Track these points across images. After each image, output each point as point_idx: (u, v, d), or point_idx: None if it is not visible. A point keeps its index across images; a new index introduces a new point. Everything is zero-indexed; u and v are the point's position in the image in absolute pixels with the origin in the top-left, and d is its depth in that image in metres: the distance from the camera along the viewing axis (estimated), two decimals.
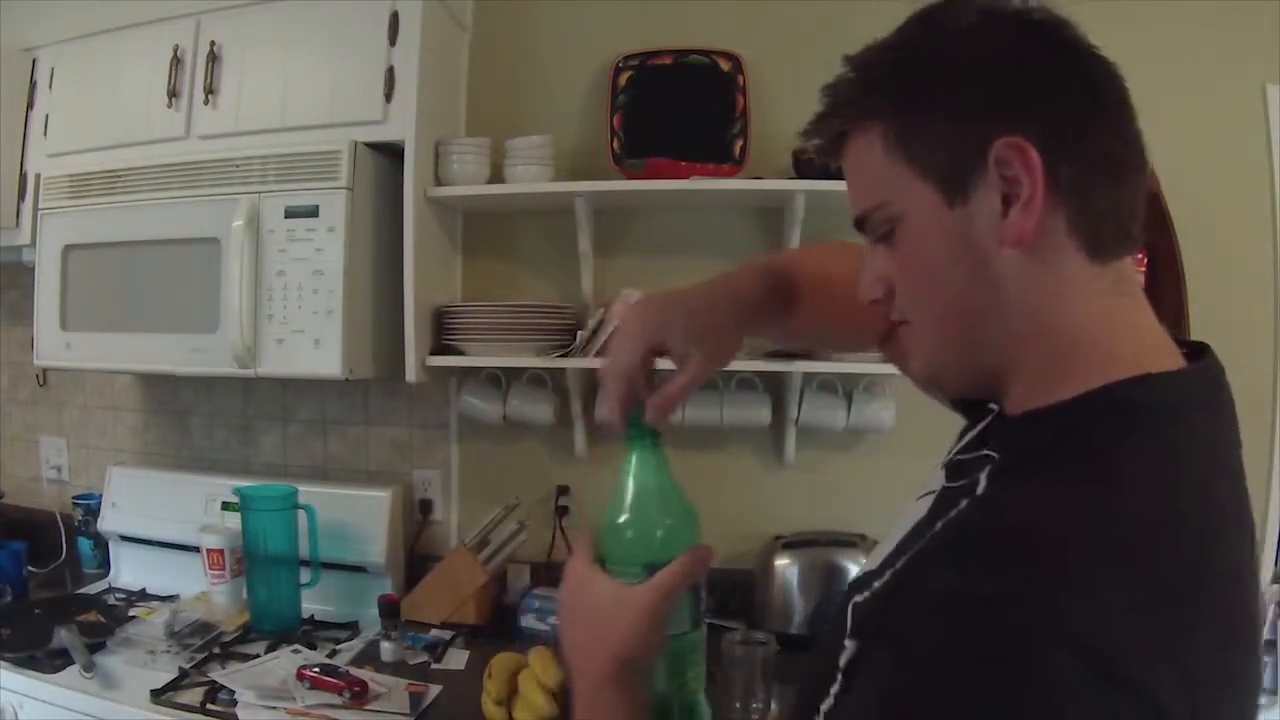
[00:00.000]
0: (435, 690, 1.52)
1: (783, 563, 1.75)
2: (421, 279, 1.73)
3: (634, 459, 0.73)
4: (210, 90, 1.77)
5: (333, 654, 1.67)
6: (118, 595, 1.97)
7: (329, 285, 1.64)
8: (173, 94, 1.79)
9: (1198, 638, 0.48)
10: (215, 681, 1.51)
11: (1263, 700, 1.65)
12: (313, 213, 1.65)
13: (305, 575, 1.80)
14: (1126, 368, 0.54)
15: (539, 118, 1.92)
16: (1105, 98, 0.56)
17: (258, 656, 1.63)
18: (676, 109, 1.84)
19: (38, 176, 1.92)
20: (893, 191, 0.58)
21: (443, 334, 1.81)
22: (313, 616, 1.84)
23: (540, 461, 1.99)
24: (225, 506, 1.90)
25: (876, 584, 0.59)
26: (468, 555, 1.86)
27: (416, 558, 2.00)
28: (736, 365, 1.54)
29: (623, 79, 1.86)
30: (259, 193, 1.68)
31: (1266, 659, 1.67)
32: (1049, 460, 0.54)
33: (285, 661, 1.60)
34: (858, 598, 0.59)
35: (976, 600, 0.46)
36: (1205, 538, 0.51)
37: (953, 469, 0.63)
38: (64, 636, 1.60)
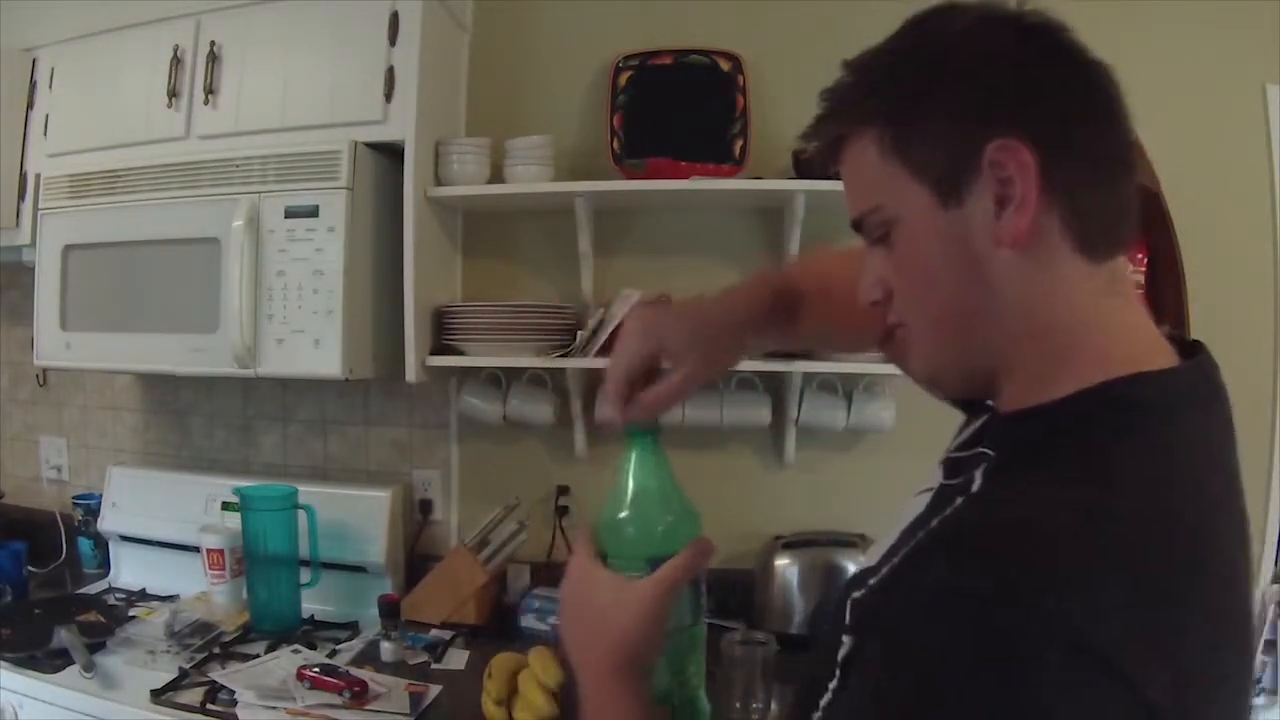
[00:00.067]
0: (435, 690, 1.52)
1: (783, 563, 1.75)
2: (421, 279, 1.73)
3: (634, 456, 0.74)
4: (210, 90, 1.77)
5: (333, 654, 1.67)
6: (118, 595, 1.97)
7: (329, 285, 1.64)
8: (173, 94, 1.79)
9: (1190, 636, 0.48)
10: (215, 681, 1.51)
11: (1262, 700, 1.65)
12: (313, 213, 1.65)
13: (305, 575, 1.80)
14: (1119, 366, 0.55)
15: (539, 118, 1.92)
16: (1098, 99, 0.56)
17: (258, 656, 1.63)
18: (676, 109, 1.84)
19: (38, 176, 1.92)
20: (888, 194, 0.59)
21: (443, 334, 1.81)
22: (313, 616, 1.84)
23: (540, 461, 1.99)
24: (225, 506, 1.90)
25: (873, 580, 0.59)
26: (468, 555, 1.86)
27: (416, 558, 2.00)
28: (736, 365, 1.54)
29: (623, 79, 1.86)
30: (259, 193, 1.68)
31: (1266, 659, 1.67)
32: (1043, 458, 0.54)
33: (285, 661, 1.60)
34: (856, 594, 0.59)
35: (971, 598, 0.46)
36: (1198, 536, 0.52)
37: (950, 466, 0.64)
38: (64, 636, 1.60)
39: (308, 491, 1.84)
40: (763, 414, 1.82)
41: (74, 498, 2.22)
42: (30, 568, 2.07)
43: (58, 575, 2.15)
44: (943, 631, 0.47)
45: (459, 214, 1.97)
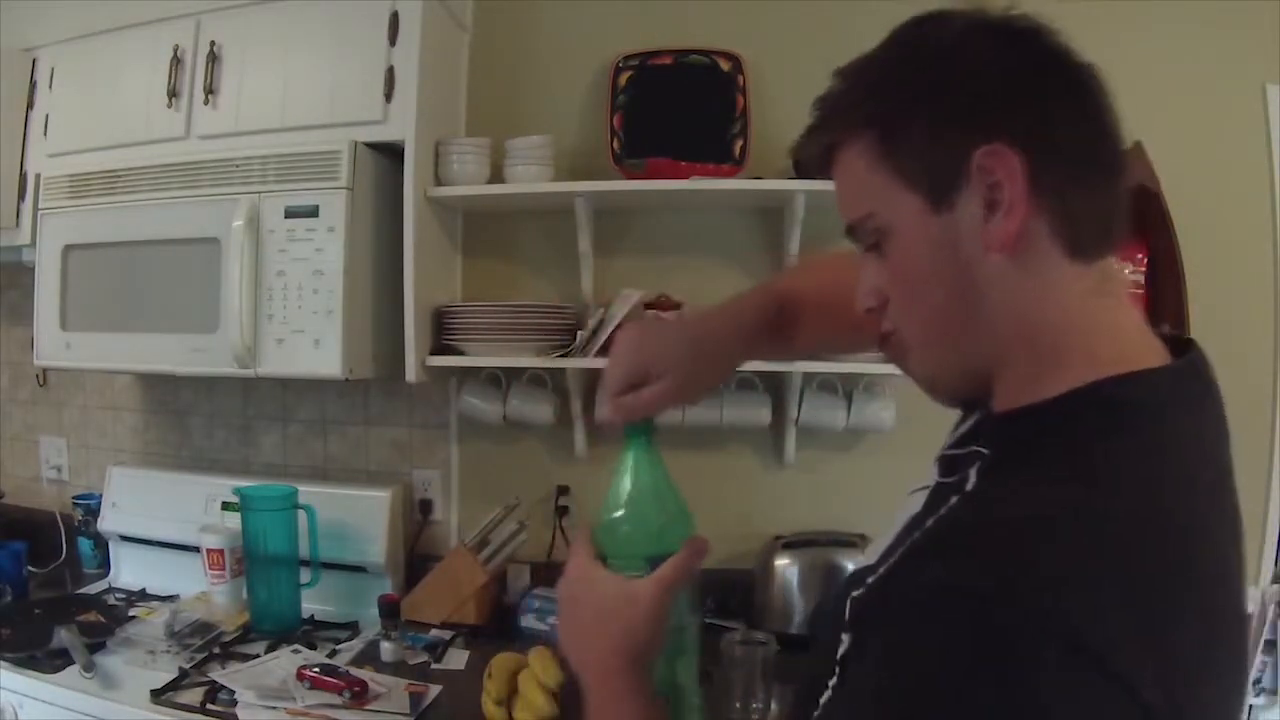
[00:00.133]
0: (435, 690, 1.52)
1: (783, 563, 1.75)
2: (421, 279, 1.73)
3: (631, 457, 0.75)
4: (210, 90, 1.77)
5: (333, 654, 1.67)
6: (118, 595, 1.97)
7: (329, 285, 1.64)
8: (173, 94, 1.79)
9: (1184, 635, 0.48)
10: (215, 681, 1.51)
11: (1262, 700, 1.65)
12: (313, 213, 1.65)
13: (305, 575, 1.80)
14: (1109, 366, 0.55)
15: (539, 118, 1.92)
16: (1085, 101, 0.57)
17: (258, 656, 1.63)
18: (676, 109, 1.84)
19: (38, 176, 1.92)
20: (880, 202, 0.60)
21: (443, 334, 1.81)
22: (313, 616, 1.84)
23: (540, 461, 1.99)
24: (225, 506, 1.90)
25: (871, 579, 0.59)
26: (468, 555, 1.86)
27: (416, 558, 2.00)
28: None
29: (623, 79, 1.86)
30: (259, 193, 1.68)
31: (1266, 659, 1.67)
32: (1035, 457, 0.55)
33: (285, 661, 1.60)
34: (855, 593, 0.59)
35: (970, 597, 0.46)
36: (1190, 534, 0.52)
37: (945, 464, 0.64)
38: (64, 636, 1.60)
39: (308, 491, 1.84)
40: (763, 414, 1.82)
41: (74, 498, 2.22)
42: (30, 568, 2.07)
43: (58, 575, 2.15)
44: (941, 630, 0.47)
45: (459, 214, 1.97)
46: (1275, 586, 1.68)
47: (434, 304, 1.82)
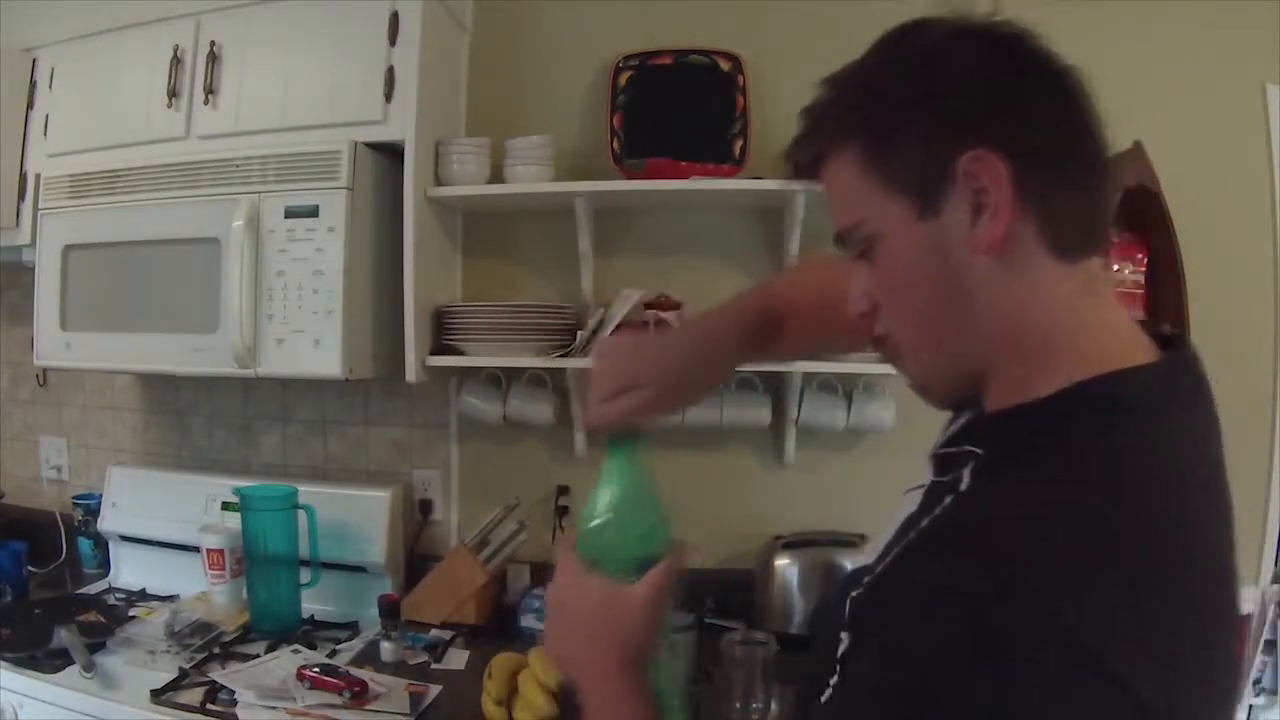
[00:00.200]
0: (435, 690, 1.52)
1: (783, 563, 1.75)
2: (421, 279, 1.73)
3: (618, 463, 0.77)
4: (210, 90, 1.77)
5: (333, 654, 1.67)
6: (118, 595, 1.97)
7: (329, 285, 1.64)
8: (173, 94, 1.79)
9: (1179, 635, 0.49)
10: (215, 681, 1.51)
11: (1262, 700, 1.65)
12: (313, 213, 1.65)
13: (305, 575, 1.80)
14: (1096, 365, 0.56)
15: (539, 118, 1.92)
16: (1068, 104, 0.58)
17: (258, 656, 1.63)
18: (676, 109, 1.84)
19: (38, 176, 1.92)
20: (869, 210, 0.61)
21: (443, 334, 1.81)
22: (313, 616, 1.84)
23: (540, 461, 1.99)
24: (225, 506, 1.90)
25: (868, 578, 0.60)
26: (468, 555, 1.86)
27: (416, 558, 2.00)
28: None
29: (623, 79, 1.86)
30: (259, 193, 1.68)
31: (1266, 659, 1.67)
32: (1028, 457, 0.55)
33: (285, 661, 1.60)
34: (855, 592, 0.60)
35: (965, 597, 0.47)
36: (1183, 533, 0.52)
37: (939, 462, 0.65)
38: (64, 636, 1.60)
39: (308, 491, 1.84)
40: (763, 414, 1.82)
41: (74, 498, 2.22)
42: (30, 568, 2.07)
43: (58, 575, 2.15)
44: (937, 630, 0.47)
45: (459, 214, 1.97)
46: (1275, 586, 1.68)
47: (434, 304, 1.82)
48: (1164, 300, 1.66)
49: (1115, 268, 1.68)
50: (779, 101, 1.83)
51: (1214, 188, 1.72)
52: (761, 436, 1.91)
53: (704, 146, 1.79)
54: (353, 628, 1.81)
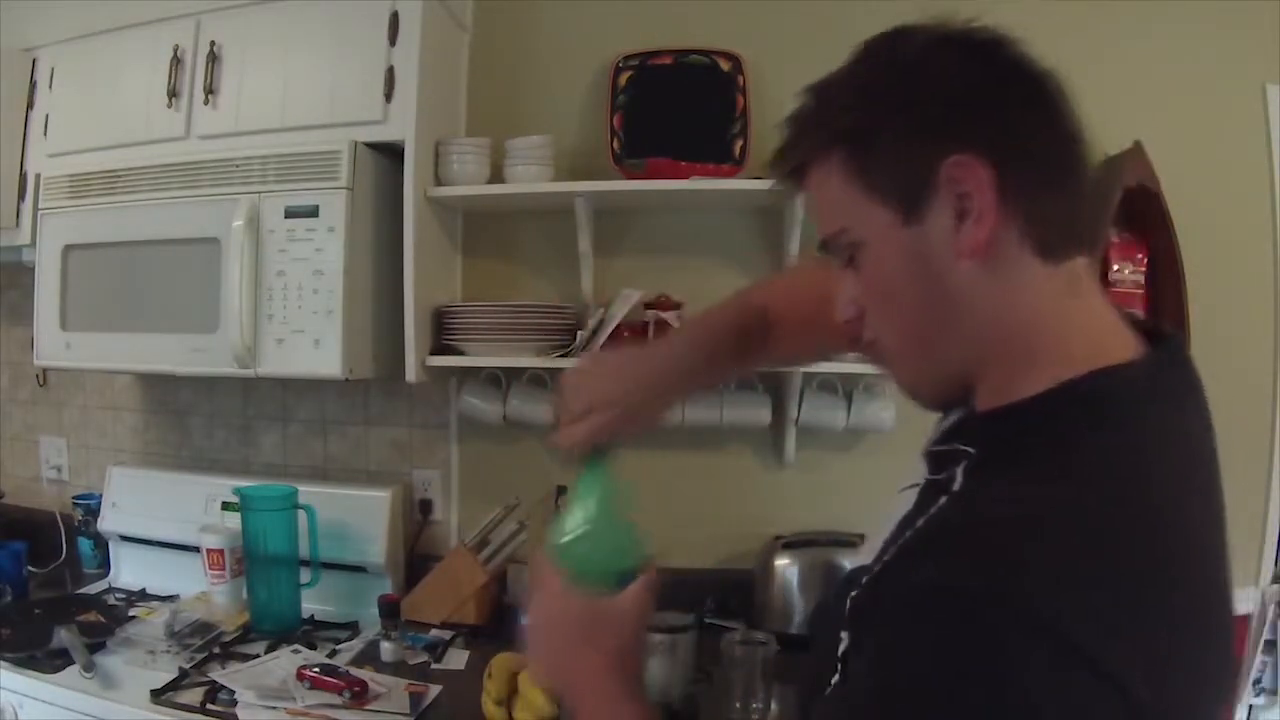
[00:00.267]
0: (435, 690, 1.52)
1: (783, 563, 1.75)
2: (421, 279, 1.73)
3: (591, 480, 0.80)
4: (210, 90, 1.77)
5: (333, 654, 1.67)
6: (118, 595, 1.97)
7: (329, 285, 1.64)
8: (173, 94, 1.79)
9: (1173, 634, 0.49)
10: (215, 681, 1.51)
11: (1262, 700, 1.65)
12: (313, 213, 1.65)
13: (305, 575, 1.80)
14: (1083, 363, 0.56)
15: (539, 118, 1.92)
16: (1047, 108, 0.58)
17: (258, 656, 1.63)
18: (676, 109, 1.84)
19: (38, 176, 1.92)
20: (852, 218, 0.61)
21: (443, 334, 1.81)
22: (313, 616, 1.83)
23: (540, 461, 1.99)
24: (225, 506, 1.90)
25: (866, 578, 0.60)
26: (468, 555, 1.86)
27: (416, 558, 2.00)
28: None
29: (623, 79, 1.86)
30: (259, 193, 1.68)
31: (1266, 659, 1.67)
32: (1020, 456, 0.56)
33: (285, 661, 1.60)
34: (854, 591, 0.60)
35: (961, 597, 0.47)
36: (1178, 531, 0.53)
37: (933, 460, 0.65)
38: (64, 636, 1.60)
39: (308, 491, 1.84)
40: (763, 414, 1.82)
41: (74, 498, 2.22)
42: (30, 568, 2.07)
43: (58, 575, 2.15)
44: (933, 631, 0.47)
45: (459, 214, 1.97)
46: (1275, 586, 1.68)
47: (434, 304, 1.82)
48: (1164, 300, 1.66)
49: (1115, 268, 1.68)
50: (779, 101, 1.82)
51: (1214, 188, 1.72)
52: (761, 436, 1.91)
53: (704, 146, 1.79)
54: (353, 628, 1.81)
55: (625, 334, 1.75)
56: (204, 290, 1.70)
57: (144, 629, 1.73)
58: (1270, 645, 1.66)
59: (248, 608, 1.79)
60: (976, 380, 0.62)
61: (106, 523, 2.10)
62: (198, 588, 1.90)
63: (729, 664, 1.47)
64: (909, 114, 0.58)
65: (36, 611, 1.82)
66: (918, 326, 0.61)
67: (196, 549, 1.87)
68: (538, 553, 0.81)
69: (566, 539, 0.77)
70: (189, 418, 2.23)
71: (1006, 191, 0.56)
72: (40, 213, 1.87)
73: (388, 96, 1.67)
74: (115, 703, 1.49)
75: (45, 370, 2.30)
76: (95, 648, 1.62)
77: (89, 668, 1.54)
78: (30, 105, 1.97)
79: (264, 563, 1.76)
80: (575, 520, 0.78)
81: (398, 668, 1.63)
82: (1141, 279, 1.68)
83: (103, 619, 1.77)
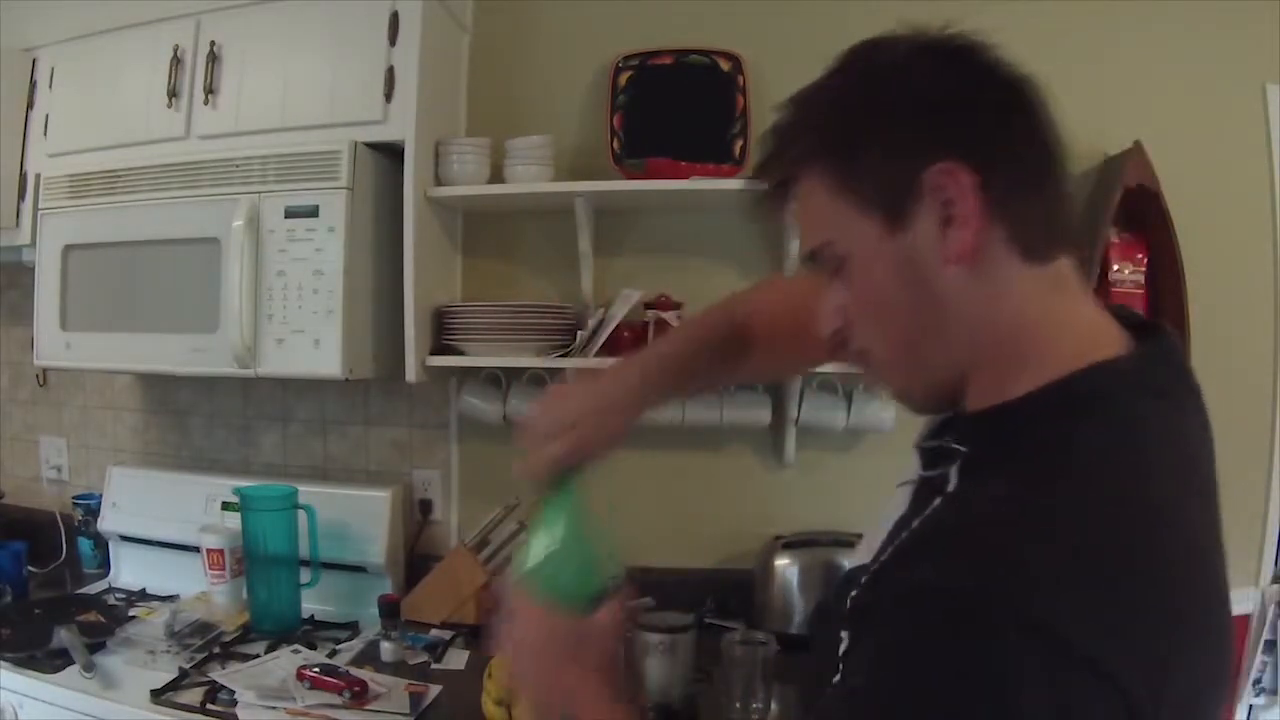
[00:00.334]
0: (435, 690, 1.52)
1: (783, 563, 1.75)
2: (421, 279, 1.73)
3: (559, 504, 0.81)
4: (210, 90, 1.77)
5: (333, 654, 1.67)
6: (118, 595, 1.97)
7: (329, 285, 1.64)
8: (173, 94, 1.79)
9: (1173, 635, 0.49)
10: (215, 681, 1.51)
11: (1262, 700, 1.65)
12: (313, 213, 1.65)
13: (305, 575, 1.80)
14: (1071, 361, 0.57)
15: (539, 118, 1.92)
16: (1025, 110, 0.59)
17: (258, 656, 1.63)
18: (676, 109, 1.84)
19: (38, 176, 1.92)
20: (838, 230, 0.62)
21: (443, 334, 1.81)
22: (313, 616, 1.84)
23: None
24: (225, 506, 1.90)
25: (865, 578, 0.60)
26: (468, 555, 1.86)
27: (416, 558, 2.00)
28: None
29: (623, 79, 1.85)
30: (259, 193, 1.68)
31: (1266, 659, 1.67)
32: (1011, 456, 0.56)
33: (285, 661, 1.60)
34: (853, 592, 0.60)
35: (957, 598, 0.47)
36: (1175, 530, 0.52)
37: (926, 456, 0.66)
38: (64, 636, 1.60)
39: (308, 491, 1.84)
40: (763, 414, 1.82)
41: (74, 498, 2.22)
42: (30, 568, 2.07)
43: (58, 575, 2.15)
44: (931, 631, 0.48)
45: (459, 214, 1.97)
46: (1275, 586, 1.68)
47: (434, 304, 1.82)
48: (1164, 300, 1.66)
49: (1115, 268, 1.68)
50: (779, 101, 1.83)
51: (1214, 188, 1.72)
52: (761, 436, 1.91)
53: (704, 146, 1.79)
54: (353, 628, 1.81)
55: (625, 334, 1.75)
56: (204, 290, 1.70)
57: (144, 629, 1.73)
58: (1270, 645, 1.66)
59: (248, 608, 1.79)
60: (968, 383, 0.62)
61: (106, 523, 2.10)
62: (198, 588, 1.90)
63: (729, 664, 1.47)
64: (890, 124, 0.58)
65: (36, 611, 1.82)
66: (907, 334, 0.62)
67: (196, 549, 1.87)
68: (509, 579, 0.81)
69: (535, 563, 0.78)
70: (189, 418, 2.23)
71: (990, 196, 0.56)
72: (40, 213, 1.87)
73: (388, 96, 1.67)
74: (115, 703, 1.49)
75: (45, 370, 2.30)
76: (95, 648, 1.62)
77: (89, 668, 1.54)
78: (30, 105, 1.97)
79: (264, 563, 1.76)
80: (542, 544, 0.79)
81: (398, 668, 1.63)
82: (1141, 279, 1.68)
83: (103, 619, 1.77)
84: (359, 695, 1.46)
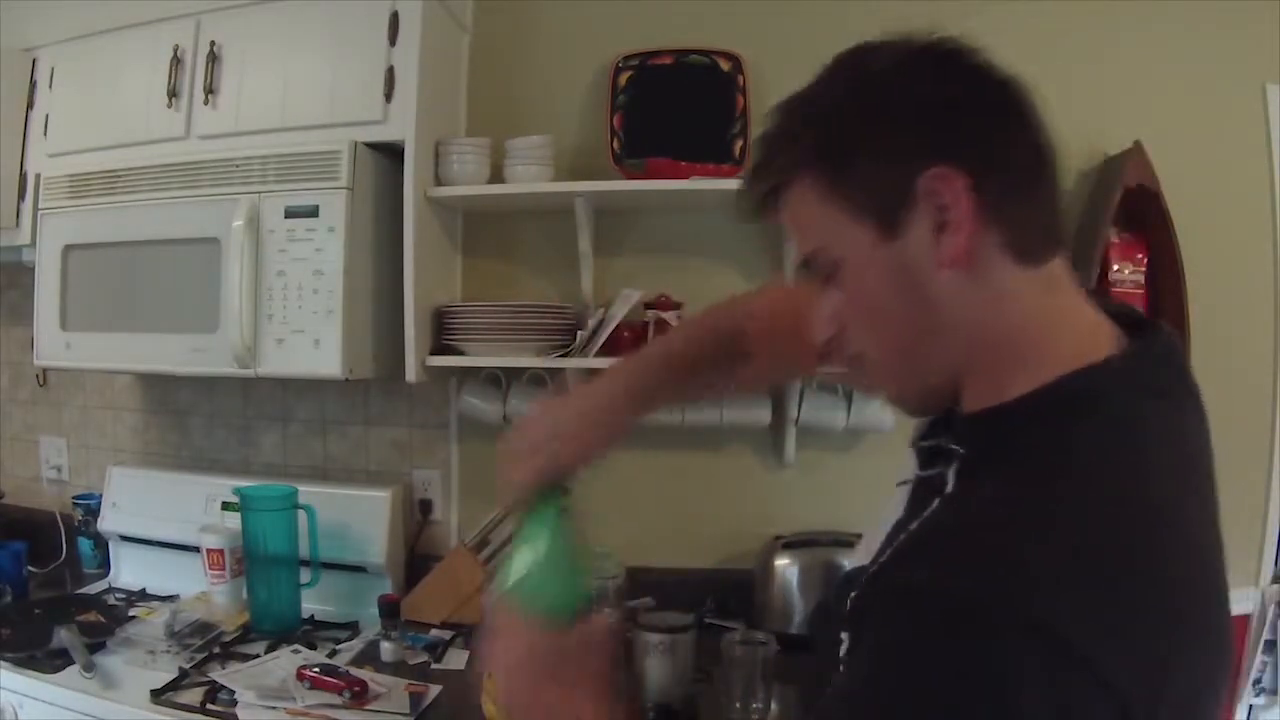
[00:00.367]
0: (435, 690, 1.52)
1: (783, 563, 1.75)
2: (421, 279, 1.73)
3: (540, 520, 0.81)
4: (210, 90, 1.77)
5: (333, 654, 1.67)
6: (118, 595, 1.97)
7: (329, 285, 1.64)
8: (173, 94, 1.79)
9: (1172, 635, 0.49)
10: (215, 681, 1.51)
11: (1262, 700, 1.65)
12: (313, 213, 1.65)
13: (305, 575, 1.80)
14: (1067, 362, 0.57)
15: (539, 118, 1.92)
16: (1015, 112, 0.59)
17: (258, 656, 1.63)
18: (676, 109, 1.84)
19: (38, 176, 1.92)
20: (830, 236, 0.61)
21: (443, 334, 1.81)
22: (313, 616, 1.84)
23: None
24: (225, 506, 1.90)
25: (864, 579, 0.60)
26: (468, 555, 1.86)
27: (416, 558, 2.00)
28: None
29: (623, 79, 1.85)
30: (259, 193, 1.68)
31: (1266, 659, 1.67)
32: (1009, 457, 0.56)
33: (285, 661, 1.60)
34: (853, 592, 0.60)
35: (957, 598, 0.47)
36: (1174, 531, 0.53)
37: (923, 456, 0.66)
38: (64, 636, 1.60)
39: (308, 491, 1.84)
40: (763, 414, 1.82)
41: (74, 498, 2.22)
42: (30, 568, 2.07)
43: (58, 575, 2.15)
44: (930, 632, 0.48)
45: (459, 214, 1.97)
46: (1275, 586, 1.68)
47: (434, 304, 1.82)
48: (1164, 300, 1.66)
49: (1115, 268, 1.68)
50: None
51: (1214, 188, 1.72)
52: (761, 436, 1.91)
53: (704, 146, 1.79)
54: (353, 628, 1.81)
55: (625, 334, 1.75)
56: (204, 290, 1.70)
57: (144, 629, 1.73)
58: (1270, 645, 1.66)
59: (248, 608, 1.79)
60: (963, 386, 0.62)
61: (106, 523, 2.10)
62: (198, 588, 1.90)
63: (729, 664, 1.47)
64: (881, 130, 0.58)
65: (36, 611, 1.82)
66: (903, 339, 0.62)
67: (196, 549, 1.87)
68: (492, 597, 0.81)
69: (517, 579, 0.78)
70: (189, 418, 2.23)
71: (983, 199, 0.56)
72: (40, 213, 1.87)
73: (388, 96, 1.67)
74: (115, 703, 1.49)
75: (45, 370, 2.30)
76: (95, 648, 1.62)
77: (89, 668, 1.54)
78: (30, 105, 1.97)
79: (264, 563, 1.76)
80: (525, 559, 0.79)
81: (398, 668, 1.63)
82: (1141, 279, 1.68)
83: (103, 619, 1.77)
84: (359, 695, 1.46)
